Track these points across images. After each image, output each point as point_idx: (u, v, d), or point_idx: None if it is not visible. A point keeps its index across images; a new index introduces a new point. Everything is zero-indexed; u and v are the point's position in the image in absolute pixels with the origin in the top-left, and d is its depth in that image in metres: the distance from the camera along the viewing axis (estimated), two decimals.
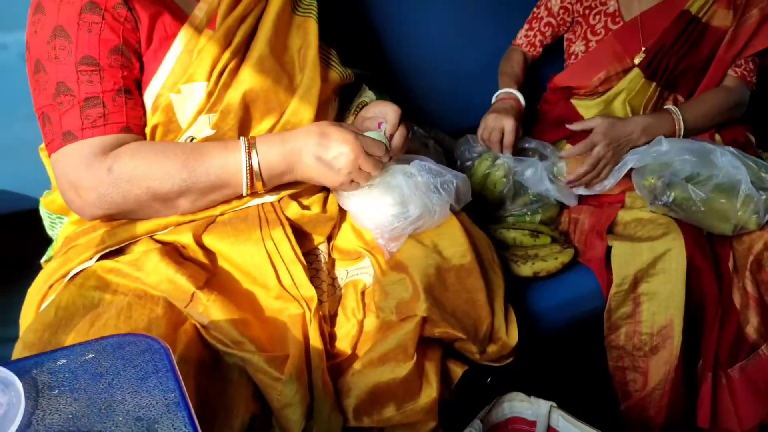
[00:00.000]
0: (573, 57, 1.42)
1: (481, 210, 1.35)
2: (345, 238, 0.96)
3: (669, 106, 1.27)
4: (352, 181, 0.88)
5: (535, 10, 1.45)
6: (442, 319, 0.83)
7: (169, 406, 0.47)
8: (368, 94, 1.06)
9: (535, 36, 1.45)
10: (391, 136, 0.92)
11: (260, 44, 0.88)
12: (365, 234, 0.95)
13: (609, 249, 1.13)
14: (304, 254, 0.91)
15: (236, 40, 0.87)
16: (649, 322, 1.08)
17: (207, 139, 0.86)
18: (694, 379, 1.13)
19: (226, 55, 0.86)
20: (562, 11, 1.40)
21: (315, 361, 0.77)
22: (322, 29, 0.98)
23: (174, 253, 0.81)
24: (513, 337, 0.92)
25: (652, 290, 1.08)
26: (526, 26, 1.46)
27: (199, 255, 0.83)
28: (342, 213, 0.99)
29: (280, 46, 0.92)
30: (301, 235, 0.91)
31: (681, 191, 1.08)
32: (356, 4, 1.36)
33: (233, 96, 0.85)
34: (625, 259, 1.09)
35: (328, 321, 0.86)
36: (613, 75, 1.33)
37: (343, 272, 0.95)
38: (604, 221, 1.17)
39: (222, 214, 0.88)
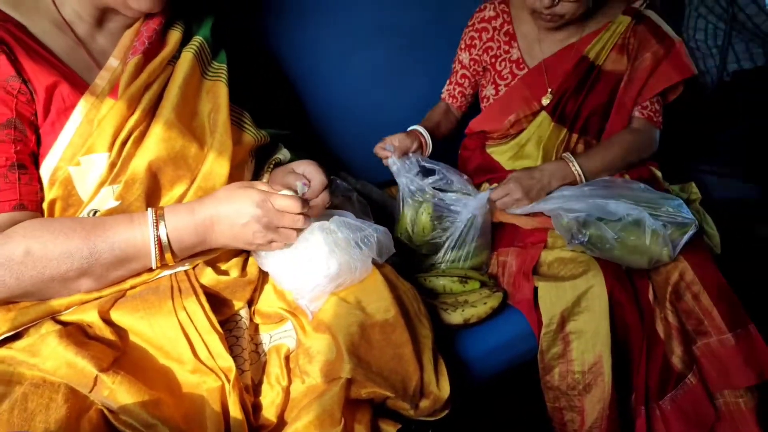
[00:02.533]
0: (485, 101, 1.48)
1: (417, 260, 1.35)
2: (267, 301, 0.93)
3: (564, 154, 1.32)
4: (272, 241, 0.87)
5: (453, 65, 1.52)
6: (368, 379, 0.81)
7: None
8: (283, 152, 1.06)
9: (454, 89, 1.51)
10: (314, 196, 0.92)
11: (166, 111, 0.86)
12: (287, 295, 0.92)
13: (537, 290, 1.15)
14: (223, 322, 0.88)
15: (140, 107, 0.85)
16: (579, 360, 1.09)
17: (112, 212, 0.83)
18: (630, 414, 1.14)
19: (130, 123, 0.83)
20: (472, 63, 1.47)
21: None
22: (233, 92, 0.97)
23: (77, 333, 0.76)
24: (444, 389, 0.91)
25: (578, 328, 1.09)
26: (448, 81, 1.53)
27: (107, 333, 0.78)
28: (264, 275, 0.96)
29: (188, 112, 0.90)
30: (219, 302, 0.88)
31: (595, 230, 1.12)
32: (271, 63, 1.37)
33: (138, 165, 0.83)
34: (551, 300, 1.11)
35: (251, 391, 0.82)
36: (522, 118, 1.38)
37: (266, 337, 0.92)
38: (529, 262, 1.19)
39: (132, 287, 0.84)
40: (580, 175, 1.28)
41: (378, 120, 1.56)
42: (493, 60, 1.44)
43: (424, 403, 0.89)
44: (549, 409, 1.16)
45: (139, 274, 0.83)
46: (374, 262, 0.93)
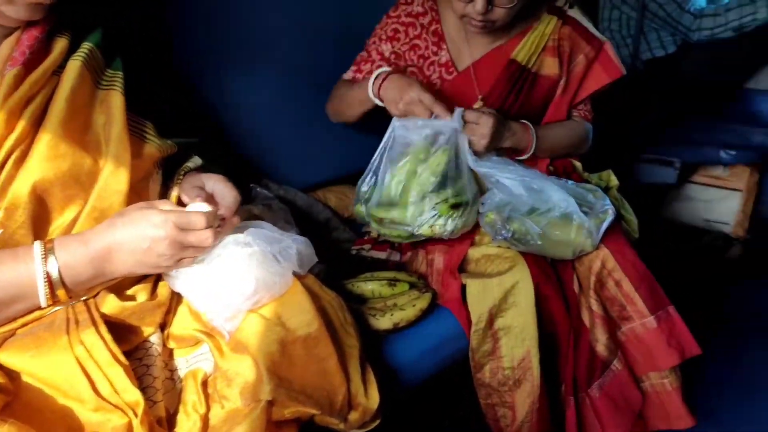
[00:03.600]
0: None
1: (344, 265, 1.32)
2: (180, 324, 0.87)
3: (524, 120, 1.28)
4: (181, 260, 0.81)
5: (364, 53, 1.39)
6: (290, 398, 0.77)
7: None
8: (193, 160, 0.99)
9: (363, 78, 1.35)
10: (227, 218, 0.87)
11: (52, 126, 0.79)
12: (203, 316, 0.87)
13: (464, 287, 1.14)
14: (132, 351, 0.82)
15: (21, 124, 0.77)
16: (509, 356, 1.09)
17: None
18: (560, 405, 1.15)
19: (9, 142, 0.75)
20: (393, 56, 1.36)
21: None
22: (134, 101, 0.90)
23: None
24: (374, 399, 0.88)
25: (507, 324, 1.09)
26: (353, 67, 1.39)
27: None
28: (177, 295, 0.90)
29: (79, 125, 0.83)
30: (125, 330, 0.81)
31: (519, 225, 1.12)
32: (181, 68, 1.29)
33: (20, 189, 0.75)
34: (478, 297, 1.10)
35: (164, 423, 0.77)
36: None
37: (182, 362, 0.87)
38: (456, 259, 1.18)
39: (24, 324, 0.76)
40: (532, 146, 1.27)
41: (300, 122, 1.52)
42: (420, 61, 1.35)
43: (353, 416, 0.86)
44: (482, 405, 1.15)
45: (30, 312, 0.76)
46: (295, 274, 0.90)
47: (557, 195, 1.13)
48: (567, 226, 1.11)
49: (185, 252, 0.80)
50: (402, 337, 1.10)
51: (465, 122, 1.17)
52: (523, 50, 1.29)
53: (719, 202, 2.24)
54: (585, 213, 1.12)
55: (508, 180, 1.17)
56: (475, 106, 1.29)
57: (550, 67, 1.30)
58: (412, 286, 1.19)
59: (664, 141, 2.22)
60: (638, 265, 1.16)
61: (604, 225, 1.14)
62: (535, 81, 1.30)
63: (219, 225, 0.84)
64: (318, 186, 1.56)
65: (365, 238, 1.38)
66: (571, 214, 1.11)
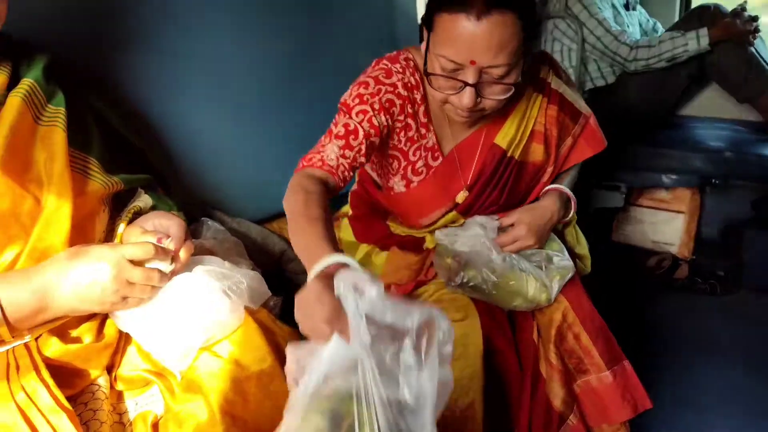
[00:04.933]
0: (389, 191, 1.23)
1: None
2: (129, 364, 0.85)
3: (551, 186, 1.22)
4: (126, 297, 0.79)
5: (348, 122, 1.05)
6: None
7: None
8: (143, 199, 0.97)
9: (346, 157, 1.03)
10: (177, 251, 0.85)
11: None
12: (153, 355, 0.84)
13: None
14: (77, 395, 0.79)
15: None
16: (451, 405, 1.05)
17: None
18: None
19: None
20: (384, 129, 1.08)
21: None
22: (76, 137, 0.88)
23: None
24: None
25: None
26: (332, 154, 1.02)
27: None
28: (125, 335, 0.87)
29: (19, 163, 0.80)
30: (69, 373, 0.78)
31: (476, 272, 1.10)
32: (126, 103, 1.27)
33: None
34: None
35: None
36: (434, 217, 1.23)
37: (131, 404, 0.84)
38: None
39: None
40: (573, 203, 1.22)
41: (253, 153, 1.51)
42: (408, 145, 1.14)
43: None
44: None
45: None
46: (248, 309, 0.88)
47: (502, 260, 1.12)
48: (522, 278, 1.10)
49: (131, 290, 0.78)
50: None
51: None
52: (507, 136, 1.15)
53: (665, 224, 2.33)
54: (542, 268, 1.12)
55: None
56: (459, 198, 1.18)
57: (536, 153, 1.19)
58: None
59: (610, 167, 2.30)
60: (596, 318, 1.17)
61: (563, 281, 1.14)
62: (521, 169, 1.19)
63: (171, 262, 0.83)
64: (273, 217, 1.55)
65: None
66: (526, 269, 1.11)
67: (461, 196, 1.18)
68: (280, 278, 1.44)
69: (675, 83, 2.28)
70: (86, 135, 0.92)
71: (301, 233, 0.85)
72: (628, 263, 2.34)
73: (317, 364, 0.64)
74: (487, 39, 0.92)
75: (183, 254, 0.85)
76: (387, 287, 1.26)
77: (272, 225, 1.53)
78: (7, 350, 0.75)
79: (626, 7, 2.43)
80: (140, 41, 1.29)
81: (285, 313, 1.12)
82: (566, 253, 1.18)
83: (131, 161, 1.06)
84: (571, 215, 1.24)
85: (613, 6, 2.35)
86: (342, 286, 0.67)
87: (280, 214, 1.56)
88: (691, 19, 2.22)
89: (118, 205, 0.97)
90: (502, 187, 1.18)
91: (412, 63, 1.11)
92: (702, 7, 2.23)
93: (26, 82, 0.84)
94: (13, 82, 0.84)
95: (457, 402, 1.06)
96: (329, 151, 1.02)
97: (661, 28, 2.51)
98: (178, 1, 1.33)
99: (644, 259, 2.33)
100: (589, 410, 1.17)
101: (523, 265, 1.11)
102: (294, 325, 0.93)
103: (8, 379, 0.71)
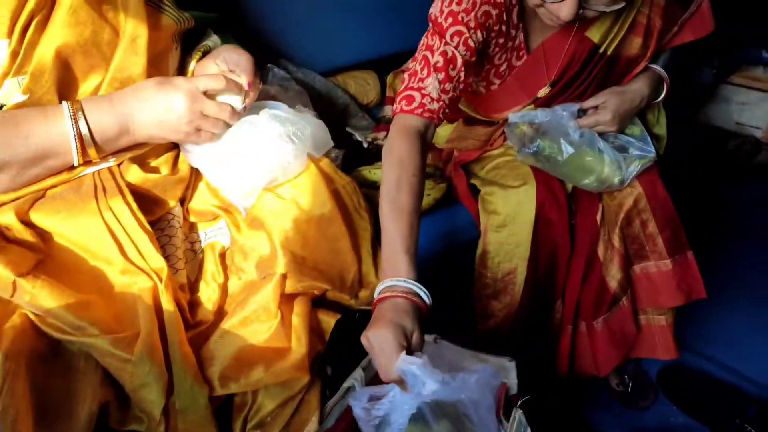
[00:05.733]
0: (467, 89, 1.17)
1: (359, 152, 1.32)
2: (200, 199, 0.91)
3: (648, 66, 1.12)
4: (200, 130, 0.83)
5: (438, 51, 0.96)
6: (302, 273, 0.81)
7: None
8: (212, 39, 0.98)
9: (449, 93, 0.97)
10: (248, 85, 0.87)
11: None
12: (220, 192, 0.90)
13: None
14: (155, 221, 0.86)
15: None
16: (493, 269, 1.10)
17: (20, 106, 0.76)
18: (547, 326, 1.17)
19: (30, 6, 0.74)
20: (479, 46, 0.99)
21: (171, 335, 0.73)
22: None
23: None
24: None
25: (500, 240, 1.09)
26: (434, 91, 0.95)
27: (27, 235, 0.75)
28: (197, 172, 0.93)
29: None
30: (149, 200, 0.85)
31: (551, 142, 1.07)
32: None
33: (44, 54, 0.75)
34: (483, 207, 1.11)
35: (186, 289, 0.82)
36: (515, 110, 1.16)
37: (202, 234, 0.91)
38: (465, 156, 1.18)
39: (53, 186, 0.79)
40: (664, 77, 1.13)
41: (323, 3, 1.45)
42: (496, 50, 1.05)
43: (364, 293, 0.91)
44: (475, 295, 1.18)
45: (59, 172, 0.79)
46: (311, 156, 0.91)
47: (584, 137, 1.07)
48: (599, 157, 1.06)
49: (204, 122, 0.82)
50: None
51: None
52: (602, 28, 1.03)
53: (754, 104, 2.15)
54: (619, 150, 1.08)
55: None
56: (540, 93, 1.10)
57: (633, 47, 1.07)
58: (428, 176, 1.20)
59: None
60: (668, 207, 1.13)
61: (641, 168, 1.09)
62: (613, 63, 1.09)
63: (243, 99, 0.86)
64: (338, 71, 1.53)
65: (382, 125, 1.37)
66: (604, 149, 1.06)
67: (543, 92, 1.10)
68: (341, 132, 1.45)
69: None
70: None
71: (387, 228, 0.85)
72: (707, 145, 2.21)
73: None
74: None
75: (252, 91, 0.87)
76: (450, 152, 1.26)
77: (337, 78, 1.52)
78: (94, 173, 0.81)
79: None
80: None
81: (346, 165, 1.15)
82: (649, 140, 1.12)
83: (201, 1, 1.05)
84: (662, 97, 1.15)
85: None
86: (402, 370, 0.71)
87: (346, 68, 1.55)
88: None
89: (187, 45, 0.98)
90: (589, 83, 1.09)
91: None
92: None
93: None
94: None
95: (500, 266, 1.10)
96: (430, 88, 0.94)
97: None
98: None
99: (726, 140, 2.19)
100: (640, 293, 1.18)
101: (601, 145, 1.07)
102: (354, 176, 0.97)
103: (96, 199, 0.78)
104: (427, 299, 0.79)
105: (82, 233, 0.76)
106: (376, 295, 0.80)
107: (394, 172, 0.89)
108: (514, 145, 1.13)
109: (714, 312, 1.50)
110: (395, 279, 0.78)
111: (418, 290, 0.78)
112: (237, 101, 0.85)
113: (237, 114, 0.86)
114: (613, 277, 1.15)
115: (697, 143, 2.17)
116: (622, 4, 0.90)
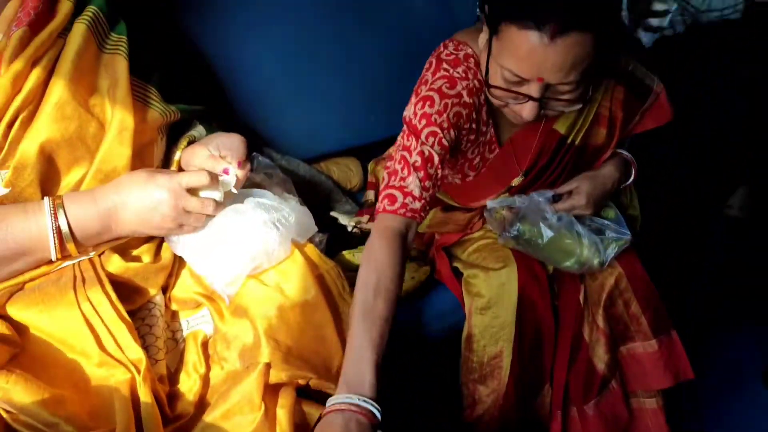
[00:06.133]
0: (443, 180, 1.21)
1: (344, 236, 1.33)
2: (182, 287, 0.90)
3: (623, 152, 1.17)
4: (183, 225, 0.83)
5: (421, 157, 0.98)
6: (287, 362, 0.79)
7: None
8: (198, 129, 1.00)
9: (430, 189, 0.99)
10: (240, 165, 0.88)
11: (59, 88, 0.80)
12: (204, 280, 0.89)
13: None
14: (136, 310, 0.84)
15: (28, 86, 0.78)
16: (479, 352, 1.09)
17: (1, 200, 0.77)
18: (534, 412, 1.15)
19: (16, 103, 0.76)
20: (452, 142, 1.03)
21: (149, 430, 0.70)
22: (138, 66, 0.91)
23: None
24: None
25: (484, 323, 1.08)
26: (416, 189, 0.97)
27: (3, 329, 0.73)
28: (180, 259, 0.92)
29: (85, 88, 0.84)
30: (129, 289, 0.84)
31: (530, 225, 1.09)
32: (182, 33, 1.29)
33: (28, 149, 0.76)
34: (466, 289, 1.11)
35: (166, 381, 0.80)
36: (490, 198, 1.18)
37: (184, 323, 0.89)
38: (447, 239, 1.20)
39: (32, 279, 0.78)
40: (631, 160, 1.17)
41: (303, 90, 1.51)
42: (468, 146, 1.11)
43: None
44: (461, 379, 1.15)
45: (38, 265, 0.78)
46: (295, 242, 0.91)
47: (560, 220, 1.11)
48: (578, 240, 1.08)
49: (187, 218, 0.82)
50: (399, 305, 1.12)
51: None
52: (568, 121, 1.07)
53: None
54: (596, 233, 1.11)
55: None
56: (514, 182, 1.13)
57: (598, 137, 1.11)
58: (411, 259, 1.21)
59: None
60: (648, 287, 1.15)
61: (618, 250, 1.11)
62: (581, 152, 1.12)
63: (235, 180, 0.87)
64: (321, 157, 1.57)
65: (365, 209, 1.39)
66: (582, 232, 1.09)
67: (517, 181, 1.13)
68: (325, 217, 1.47)
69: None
70: (147, 65, 0.94)
71: (357, 335, 0.84)
72: (684, 224, 2.27)
73: None
74: (560, 60, 0.84)
75: (241, 173, 0.88)
76: (431, 234, 1.27)
77: (320, 165, 1.55)
78: (74, 264, 0.80)
79: None
80: None
81: (329, 249, 1.16)
82: (623, 222, 1.15)
83: (188, 93, 1.08)
84: (631, 180, 1.19)
85: None
86: None
87: (329, 154, 1.59)
88: None
89: (173, 134, 1.01)
90: (560, 171, 1.13)
91: (473, 61, 1.02)
92: None
93: (91, 9, 0.86)
94: (77, 10, 0.86)
95: (486, 349, 1.08)
96: (412, 186, 0.97)
97: None
98: None
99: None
100: (629, 375, 1.17)
101: (579, 228, 1.09)
102: (338, 261, 0.97)
103: (75, 290, 0.76)
104: (379, 417, 0.77)
105: (59, 326, 0.75)
106: (330, 402, 0.77)
107: (373, 276, 0.89)
108: (495, 229, 1.15)
109: (708, 392, 1.48)
110: (357, 396, 0.77)
111: (375, 411, 0.77)
112: (218, 195, 0.85)
113: (220, 206, 0.86)
114: (601, 358, 1.14)
115: (674, 223, 2.23)
116: (579, 106, 0.96)
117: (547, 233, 1.07)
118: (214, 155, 0.88)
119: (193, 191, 0.83)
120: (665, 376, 1.14)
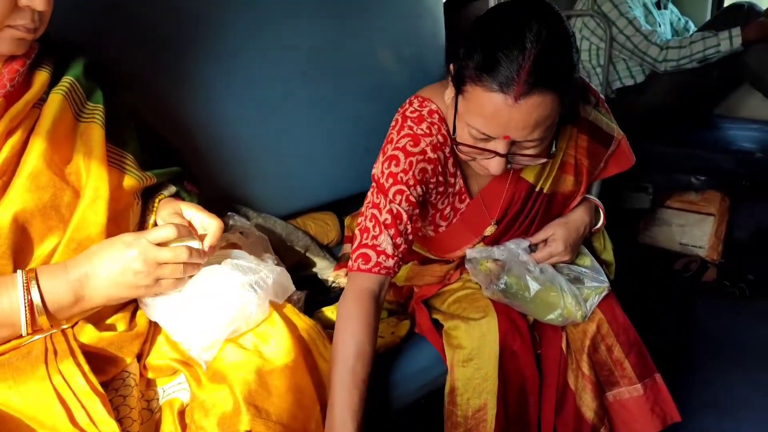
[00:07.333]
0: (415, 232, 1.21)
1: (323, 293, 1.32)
2: (158, 353, 0.88)
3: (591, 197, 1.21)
4: (159, 279, 0.82)
5: (386, 209, 1.02)
6: (267, 428, 0.77)
7: None
8: (169, 189, 1.01)
9: (402, 245, 1.03)
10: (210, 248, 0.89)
11: (33, 158, 0.80)
12: (180, 345, 0.87)
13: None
14: (109, 381, 0.82)
15: (2, 156, 0.78)
16: (463, 405, 1.07)
17: None
18: None
19: None
20: (420, 198, 1.06)
21: None
22: (114, 133, 0.92)
23: None
24: None
25: (466, 376, 1.07)
26: (389, 247, 1.00)
27: None
28: (155, 325, 0.91)
29: (60, 157, 0.84)
30: (103, 360, 0.82)
31: (516, 280, 1.09)
32: (158, 96, 1.30)
33: (1, 219, 0.76)
34: (447, 341, 1.10)
35: None
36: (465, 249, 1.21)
37: (160, 391, 0.87)
38: (426, 291, 1.20)
39: (1, 354, 0.76)
40: (599, 204, 1.21)
41: (278, 149, 1.53)
42: (437, 198, 1.13)
43: None
44: None
45: (8, 340, 0.76)
46: (273, 303, 0.91)
47: (543, 272, 1.12)
48: (561, 293, 1.10)
49: (162, 270, 0.81)
50: (381, 362, 1.11)
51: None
52: (535, 170, 1.11)
53: (693, 226, 2.30)
54: (577, 287, 1.12)
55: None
56: (487, 232, 1.16)
57: (566, 184, 1.15)
58: (391, 313, 1.21)
59: (637, 168, 2.28)
60: (630, 331, 1.16)
61: (598, 299, 1.13)
62: (551, 200, 1.15)
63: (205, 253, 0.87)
64: (298, 213, 1.58)
65: (342, 262, 1.39)
66: (560, 283, 1.10)
67: (489, 230, 1.16)
68: (303, 274, 1.46)
69: (706, 84, 2.25)
70: (123, 132, 0.95)
71: (339, 396, 0.88)
72: (654, 265, 2.32)
73: None
74: (524, 119, 0.88)
75: (208, 255, 0.88)
76: (410, 287, 1.27)
77: (297, 221, 1.56)
78: (45, 336, 0.78)
79: (657, 5, 2.40)
80: (173, 42, 1.33)
81: (308, 307, 1.15)
82: (600, 269, 1.17)
83: (162, 157, 1.09)
84: (600, 224, 1.22)
85: (644, 5, 2.32)
86: None
87: (305, 210, 1.60)
88: (724, 19, 2.18)
89: (146, 195, 1.01)
90: (532, 219, 1.16)
91: (436, 116, 1.06)
92: (735, 6, 2.19)
93: (67, 80, 0.87)
94: (54, 80, 0.88)
95: (469, 402, 1.07)
96: (385, 244, 1.00)
97: (692, 27, 2.47)
98: (209, 1, 1.36)
99: (672, 261, 2.30)
100: (617, 421, 1.16)
101: (561, 281, 1.11)
102: (317, 318, 0.96)
103: (46, 363, 0.74)
104: None
105: (29, 401, 0.72)
106: None
107: (350, 342, 0.93)
108: (480, 282, 1.15)
109: None
110: None
111: None
112: (195, 242, 0.85)
113: (198, 252, 0.85)
114: (588, 406, 1.14)
115: (644, 264, 2.27)
116: (544, 160, 0.99)
117: (534, 286, 1.08)
118: (186, 223, 0.89)
119: (163, 245, 0.82)
120: (653, 422, 1.14)
